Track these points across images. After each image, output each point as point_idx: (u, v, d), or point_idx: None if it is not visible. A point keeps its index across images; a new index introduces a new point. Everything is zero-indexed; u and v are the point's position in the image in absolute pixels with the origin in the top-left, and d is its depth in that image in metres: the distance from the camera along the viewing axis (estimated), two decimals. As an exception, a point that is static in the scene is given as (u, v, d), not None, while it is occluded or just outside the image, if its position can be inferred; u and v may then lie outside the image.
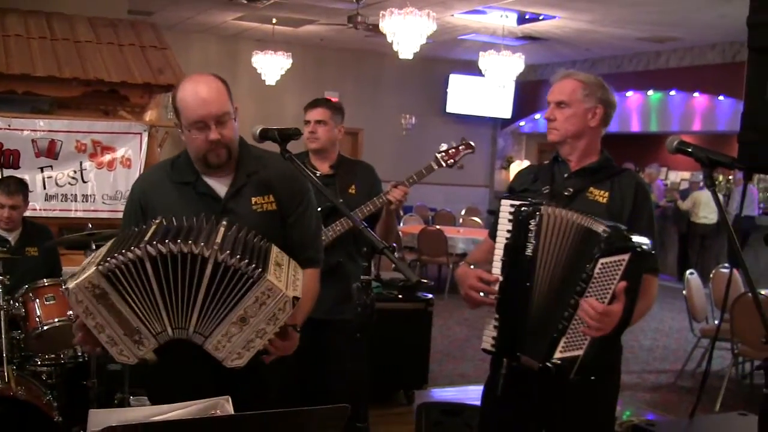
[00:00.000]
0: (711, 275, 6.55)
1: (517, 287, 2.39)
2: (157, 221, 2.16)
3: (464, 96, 14.76)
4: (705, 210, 11.26)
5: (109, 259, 2.01)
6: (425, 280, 6.63)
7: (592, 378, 2.35)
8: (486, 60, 10.45)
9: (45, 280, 4.02)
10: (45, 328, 3.91)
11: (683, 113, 12.35)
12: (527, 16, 10.32)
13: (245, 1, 10.09)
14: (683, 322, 7.39)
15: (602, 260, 2.25)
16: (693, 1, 8.81)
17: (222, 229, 2.13)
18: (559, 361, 2.33)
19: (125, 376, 4.13)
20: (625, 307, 2.27)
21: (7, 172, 5.40)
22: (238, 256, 2.02)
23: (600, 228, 2.28)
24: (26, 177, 5.21)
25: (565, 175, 2.59)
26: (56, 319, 3.92)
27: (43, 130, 5.68)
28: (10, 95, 6.22)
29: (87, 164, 5.78)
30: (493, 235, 2.51)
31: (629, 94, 12.84)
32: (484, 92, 14.40)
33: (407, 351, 5.29)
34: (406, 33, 8.50)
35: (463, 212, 13.86)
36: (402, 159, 12.85)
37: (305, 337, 2.34)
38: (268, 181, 2.43)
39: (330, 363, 3.39)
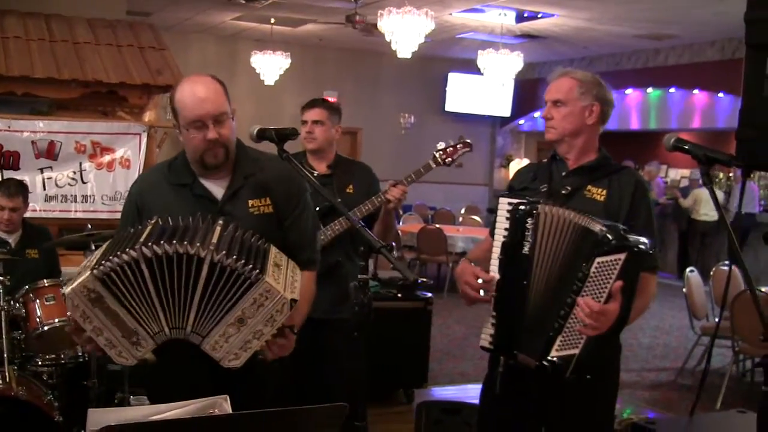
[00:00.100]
0: (711, 273, 6.53)
1: (514, 285, 2.40)
2: (153, 221, 2.16)
3: (463, 95, 14.73)
4: (706, 207, 11.24)
5: (103, 262, 2.01)
6: (425, 279, 6.63)
7: (588, 377, 2.35)
8: (485, 58, 10.45)
9: (45, 280, 4.04)
10: (45, 328, 3.94)
11: (683, 110, 12.33)
12: (525, 15, 10.31)
13: (243, 1, 10.08)
14: (683, 319, 7.38)
15: (598, 259, 2.26)
16: (688, -2, 8.81)
17: (218, 229, 2.12)
18: (555, 360, 2.33)
19: (125, 375, 4.13)
20: (622, 306, 2.28)
21: (7, 174, 5.42)
22: (234, 257, 2.02)
23: (597, 227, 2.28)
24: (26, 178, 5.23)
25: (563, 174, 2.59)
26: (56, 320, 3.94)
27: (43, 132, 5.69)
28: (9, 97, 6.23)
29: (86, 165, 5.79)
30: (493, 234, 2.52)
31: (628, 91, 12.82)
32: (483, 91, 14.38)
33: (407, 350, 5.29)
34: (404, 32, 8.49)
35: (462, 211, 13.84)
36: (401, 158, 12.83)
37: (303, 337, 2.35)
38: (265, 184, 2.42)
39: (328, 362, 3.40)
